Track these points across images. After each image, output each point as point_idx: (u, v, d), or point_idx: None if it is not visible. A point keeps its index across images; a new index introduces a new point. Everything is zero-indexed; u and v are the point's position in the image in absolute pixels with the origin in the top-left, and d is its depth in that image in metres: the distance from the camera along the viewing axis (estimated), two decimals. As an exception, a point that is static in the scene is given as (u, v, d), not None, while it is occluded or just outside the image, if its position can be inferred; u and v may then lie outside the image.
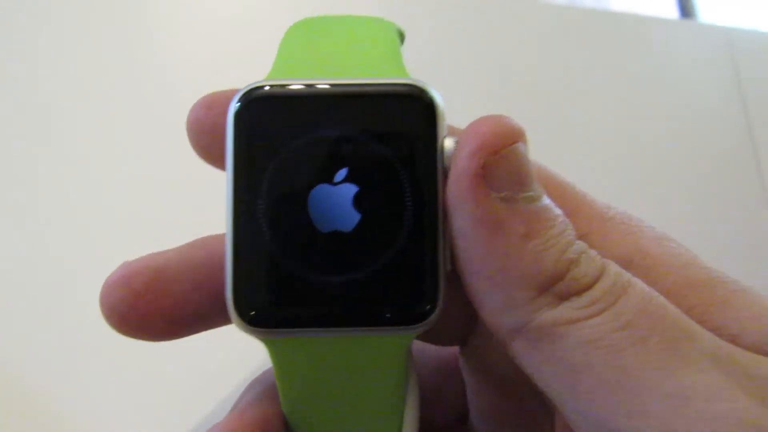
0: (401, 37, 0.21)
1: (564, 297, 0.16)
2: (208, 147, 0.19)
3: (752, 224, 0.66)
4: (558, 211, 0.17)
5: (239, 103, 0.18)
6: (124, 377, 0.42)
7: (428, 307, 0.18)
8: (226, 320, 0.18)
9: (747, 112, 0.71)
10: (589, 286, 0.16)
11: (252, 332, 0.17)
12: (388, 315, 0.17)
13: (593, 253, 0.17)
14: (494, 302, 0.17)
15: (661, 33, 0.73)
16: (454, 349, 0.24)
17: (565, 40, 0.68)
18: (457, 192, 0.17)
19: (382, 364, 0.18)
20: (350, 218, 0.17)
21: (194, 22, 0.57)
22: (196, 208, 0.41)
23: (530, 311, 0.16)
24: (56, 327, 0.43)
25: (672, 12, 0.87)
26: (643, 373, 0.15)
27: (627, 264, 0.18)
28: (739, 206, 0.67)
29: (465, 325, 0.22)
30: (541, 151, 0.21)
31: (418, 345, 0.23)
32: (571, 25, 0.69)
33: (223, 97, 0.18)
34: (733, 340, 0.16)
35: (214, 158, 0.19)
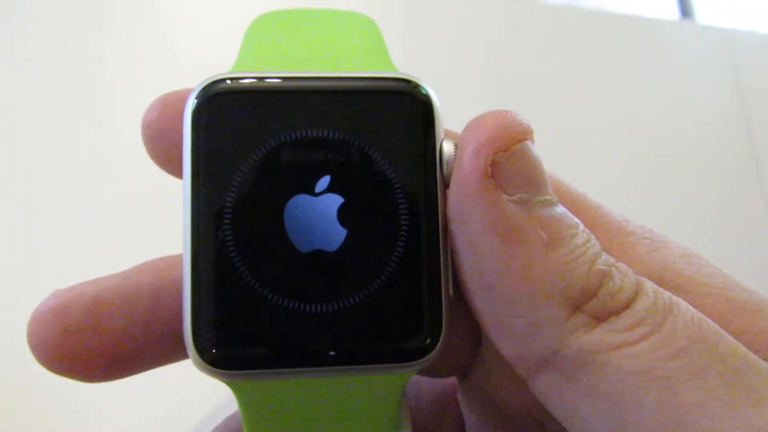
0: None
1: (601, 317, 0.14)
2: (163, 154, 0.16)
3: (752, 224, 0.65)
4: (576, 219, 0.15)
5: (197, 100, 0.15)
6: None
7: (429, 340, 0.15)
8: (180, 356, 0.16)
9: (746, 113, 0.71)
10: (627, 305, 0.14)
11: (214, 374, 0.14)
12: (381, 351, 0.15)
13: (623, 266, 0.15)
14: (516, 326, 0.14)
15: (661, 33, 0.72)
16: (453, 379, 0.21)
17: (565, 41, 0.67)
18: (464, 196, 0.14)
19: (372, 406, 0.15)
20: (335, 235, 0.15)
21: (196, 17, 0.55)
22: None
23: (563, 335, 0.14)
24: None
25: (672, 12, 0.86)
26: (707, 411, 0.13)
27: (657, 283, 0.15)
28: (739, 206, 0.66)
29: (466, 355, 0.19)
30: (540, 152, 0.19)
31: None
32: (571, 26, 0.68)
33: (181, 97, 0.16)
34: None
35: (173, 166, 0.16)
